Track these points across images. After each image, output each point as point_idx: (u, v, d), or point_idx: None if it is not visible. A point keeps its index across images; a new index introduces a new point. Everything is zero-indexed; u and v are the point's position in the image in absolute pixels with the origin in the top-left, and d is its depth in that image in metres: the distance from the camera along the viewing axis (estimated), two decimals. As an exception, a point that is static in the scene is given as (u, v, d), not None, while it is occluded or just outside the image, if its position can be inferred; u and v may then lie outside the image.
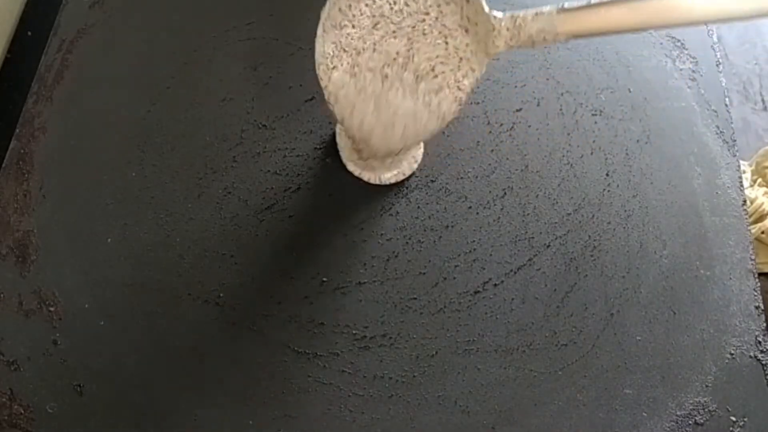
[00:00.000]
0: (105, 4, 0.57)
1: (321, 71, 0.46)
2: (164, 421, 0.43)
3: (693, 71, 0.60)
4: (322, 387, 0.45)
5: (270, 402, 0.45)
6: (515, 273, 0.50)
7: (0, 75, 0.59)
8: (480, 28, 0.44)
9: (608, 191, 0.54)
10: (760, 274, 0.53)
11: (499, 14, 0.43)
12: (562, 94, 0.58)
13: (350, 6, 0.46)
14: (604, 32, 0.42)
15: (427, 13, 0.45)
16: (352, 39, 0.46)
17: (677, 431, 0.46)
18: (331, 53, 0.46)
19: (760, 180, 0.76)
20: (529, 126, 0.56)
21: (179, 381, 0.45)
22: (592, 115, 0.57)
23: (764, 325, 0.50)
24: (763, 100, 0.86)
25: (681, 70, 0.60)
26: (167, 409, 0.44)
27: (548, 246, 0.51)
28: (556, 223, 0.52)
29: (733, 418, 0.47)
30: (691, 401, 0.47)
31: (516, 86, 0.57)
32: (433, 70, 0.45)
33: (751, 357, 0.49)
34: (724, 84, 0.60)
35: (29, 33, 0.63)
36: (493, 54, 0.44)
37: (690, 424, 0.46)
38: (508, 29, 0.42)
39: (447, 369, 0.47)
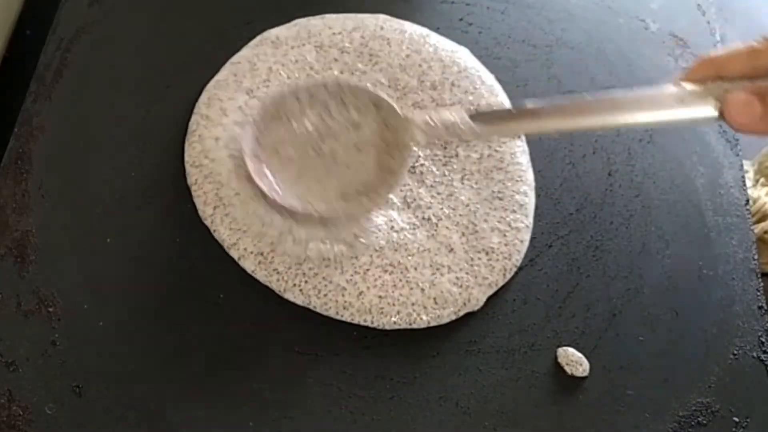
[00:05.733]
0: (104, 3, 0.57)
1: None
2: (164, 421, 0.43)
3: (695, 70, 0.60)
4: (322, 387, 0.45)
5: (270, 402, 0.44)
6: (517, 273, 0.50)
7: (-1, 74, 0.59)
8: (397, 129, 0.46)
9: (610, 191, 0.54)
10: (763, 274, 0.52)
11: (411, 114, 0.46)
12: (564, 94, 0.58)
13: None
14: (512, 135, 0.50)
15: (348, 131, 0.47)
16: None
17: (680, 432, 0.46)
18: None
19: (762, 179, 0.76)
20: (531, 125, 0.55)
21: (179, 382, 0.44)
22: (594, 114, 0.57)
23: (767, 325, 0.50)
24: (765, 99, 0.85)
25: (683, 68, 0.60)
26: (167, 410, 0.44)
27: (550, 246, 0.51)
28: (558, 223, 0.52)
29: (737, 419, 0.47)
30: (694, 402, 0.47)
31: (517, 86, 0.57)
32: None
33: (754, 357, 0.49)
34: (726, 83, 0.60)
35: (28, 32, 0.62)
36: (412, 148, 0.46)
37: (693, 425, 0.46)
38: (422, 130, 0.45)
39: (448, 370, 0.47)
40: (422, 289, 0.47)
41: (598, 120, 0.42)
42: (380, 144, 0.46)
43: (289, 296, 0.47)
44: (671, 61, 0.60)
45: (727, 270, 0.52)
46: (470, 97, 0.55)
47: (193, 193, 0.49)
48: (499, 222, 0.50)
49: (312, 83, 0.49)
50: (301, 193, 0.45)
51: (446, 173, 0.52)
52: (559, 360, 0.47)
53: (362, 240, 0.48)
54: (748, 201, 0.55)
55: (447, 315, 0.47)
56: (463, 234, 0.50)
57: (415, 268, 0.48)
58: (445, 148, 0.52)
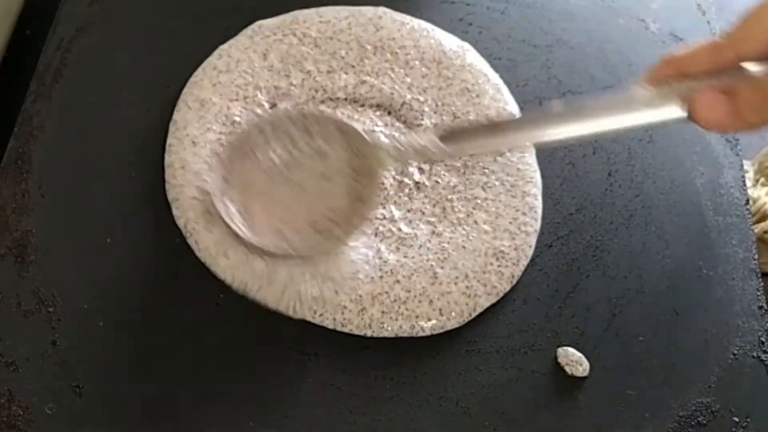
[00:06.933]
0: (104, 3, 0.57)
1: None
2: (164, 421, 0.43)
3: (695, 70, 0.60)
4: (322, 387, 0.45)
5: (270, 402, 0.44)
6: (517, 273, 0.50)
7: (-2, 74, 0.59)
8: (366, 155, 0.45)
9: (610, 191, 0.54)
10: (764, 274, 0.52)
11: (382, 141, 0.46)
12: (564, 94, 0.58)
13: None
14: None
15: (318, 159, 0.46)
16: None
17: (680, 432, 0.46)
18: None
19: (762, 179, 0.76)
20: (531, 125, 0.55)
21: (179, 382, 0.44)
22: (594, 114, 0.57)
23: (768, 325, 0.50)
24: (765, 99, 0.85)
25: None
26: (167, 410, 0.44)
27: (550, 246, 0.51)
28: (558, 223, 0.52)
29: (737, 419, 0.47)
30: (694, 402, 0.47)
31: (518, 86, 0.57)
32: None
33: (754, 357, 0.49)
34: (726, 83, 0.59)
35: (28, 31, 0.62)
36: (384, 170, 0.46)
37: (693, 425, 0.46)
38: (391, 155, 0.44)
39: (448, 370, 0.47)
40: (431, 301, 0.47)
41: (567, 130, 0.41)
42: (349, 172, 0.45)
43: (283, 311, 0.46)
44: (671, 61, 0.60)
45: (727, 270, 0.52)
46: (475, 97, 0.55)
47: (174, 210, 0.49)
48: (510, 223, 0.50)
49: (275, 115, 0.49)
50: (275, 227, 0.44)
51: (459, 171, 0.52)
52: (559, 360, 0.47)
53: (344, 276, 0.47)
54: (748, 201, 0.55)
55: (451, 324, 0.47)
56: (475, 229, 0.49)
57: (425, 278, 0.47)
58: (421, 168, 0.52)
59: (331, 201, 0.45)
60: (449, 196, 0.51)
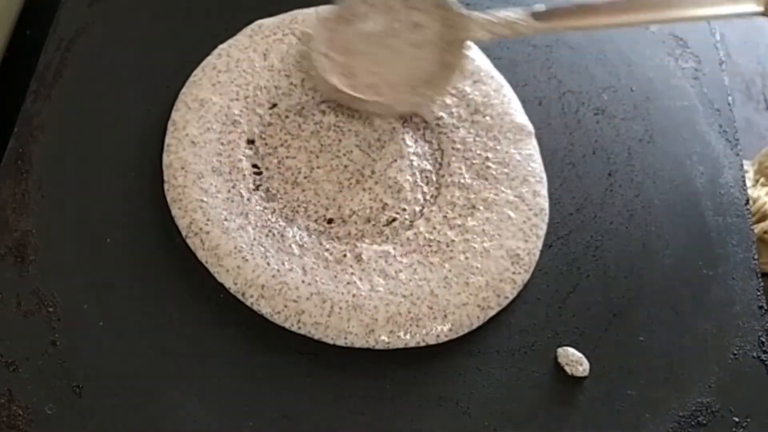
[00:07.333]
0: (104, 3, 0.57)
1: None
2: (164, 421, 0.43)
3: (696, 70, 0.60)
4: (322, 387, 0.45)
5: (270, 402, 0.44)
6: (517, 273, 0.50)
7: (-1, 74, 0.59)
8: (456, 28, 0.50)
9: (610, 191, 0.54)
10: (764, 274, 0.52)
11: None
12: (563, 94, 0.58)
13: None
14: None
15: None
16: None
17: (680, 432, 0.46)
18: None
19: (762, 179, 0.76)
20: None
21: (179, 382, 0.44)
22: (594, 114, 0.57)
23: (768, 325, 0.50)
24: (765, 100, 0.86)
25: (684, 69, 0.60)
26: (167, 410, 0.43)
27: (550, 246, 0.51)
28: (558, 223, 0.52)
29: (737, 419, 0.46)
30: (694, 402, 0.47)
31: (517, 86, 0.57)
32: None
33: (754, 357, 0.49)
34: (726, 83, 0.60)
35: (28, 31, 0.62)
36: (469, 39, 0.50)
37: (693, 425, 0.46)
38: (483, 27, 0.49)
39: (448, 370, 0.47)
40: (445, 315, 0.46)
41: (654, 15, 0.46)
42: (441, 43, 0.50)
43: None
44: (671, 62, 0.60)
45: (727, 270, 0.52)
46: (477, 89, 0.55)
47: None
48: (524, 222, 0.50)
49: None
50: (373, 84, 0.50)
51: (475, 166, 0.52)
52: (559, 360, 0.47)
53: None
54: (748, 201, 0.55)
55: (458, 335, 0.47)
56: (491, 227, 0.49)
57: (444, 291, 0.47)
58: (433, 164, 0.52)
59: (424, 66, 0.50)
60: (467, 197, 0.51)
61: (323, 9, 0.56)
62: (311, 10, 0.57)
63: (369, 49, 0.50)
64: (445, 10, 0.50)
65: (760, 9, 0.39)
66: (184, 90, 0.53)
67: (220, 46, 0.55)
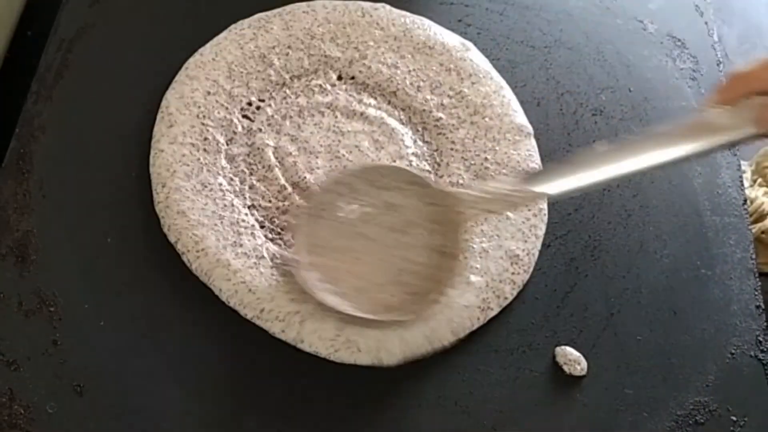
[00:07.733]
0: (105, 3, 0.57)
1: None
2: (164, 421, 0.43)
3: (693, 71, 0.60)
4: (322, 387, 0.45)
5: (270, 402, 0.44)
6: (515, 273, 0.50)
7: (-1, 74, 0.59)
8: (445, 206, 0.44)
9: (608, 191, 0.54)
10: (761, 274, 0.52)
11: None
12: (562, 94, 0.58)
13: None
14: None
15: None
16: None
17: (678, 431, 0.46)
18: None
19: (760, 180, 0.76)
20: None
21: (179, 382, 0.44)
22: (593, 114, 0.57)
23: (765, 324, 0.50)
24: (763, 100, 0.86)
25: (681, 69, 0.60)
26: (167, 410, 0.44)
27: (548, 246, 0.51)
28: (556, 222, 0.52)
29: (734, 418, 0.47)
30: (691, 401, 0.47)
31: (516, 86, 0.57)
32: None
33: (751, 356, 0.49)
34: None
35: (29, 32, 0.62)
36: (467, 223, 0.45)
37: (690, 424, 0.46)
38: (473, 205, 0.43)
39: (447, 369, 0.47)
40: (449, 321, 0.46)
41: (651, 157, 0.41)
42: (424, 223, 0.44)
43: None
44: (669, 62, 0.61)
45: (725, 270, 0.52)
46: (476, 90, 0.55)
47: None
48: (523, 222, 0.50)
49: (341, 173, 0.48)
50: (360, 286, 0.44)
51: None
52: (558, 359, 0.47)
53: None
54: (745, 201, 0.55)
55: (461, 335, 0.47)
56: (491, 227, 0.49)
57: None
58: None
59: (410, 254, 0.44)
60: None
61: (314, 4, 0.57)
62: (303, 5, 0.57)
63: (347, 243, 0.44)
64: (421, 186, 0.45)
65: (755, 131, 0.37)
66: (166, 94, 0.53)
67: (200, 49, 0.55)
